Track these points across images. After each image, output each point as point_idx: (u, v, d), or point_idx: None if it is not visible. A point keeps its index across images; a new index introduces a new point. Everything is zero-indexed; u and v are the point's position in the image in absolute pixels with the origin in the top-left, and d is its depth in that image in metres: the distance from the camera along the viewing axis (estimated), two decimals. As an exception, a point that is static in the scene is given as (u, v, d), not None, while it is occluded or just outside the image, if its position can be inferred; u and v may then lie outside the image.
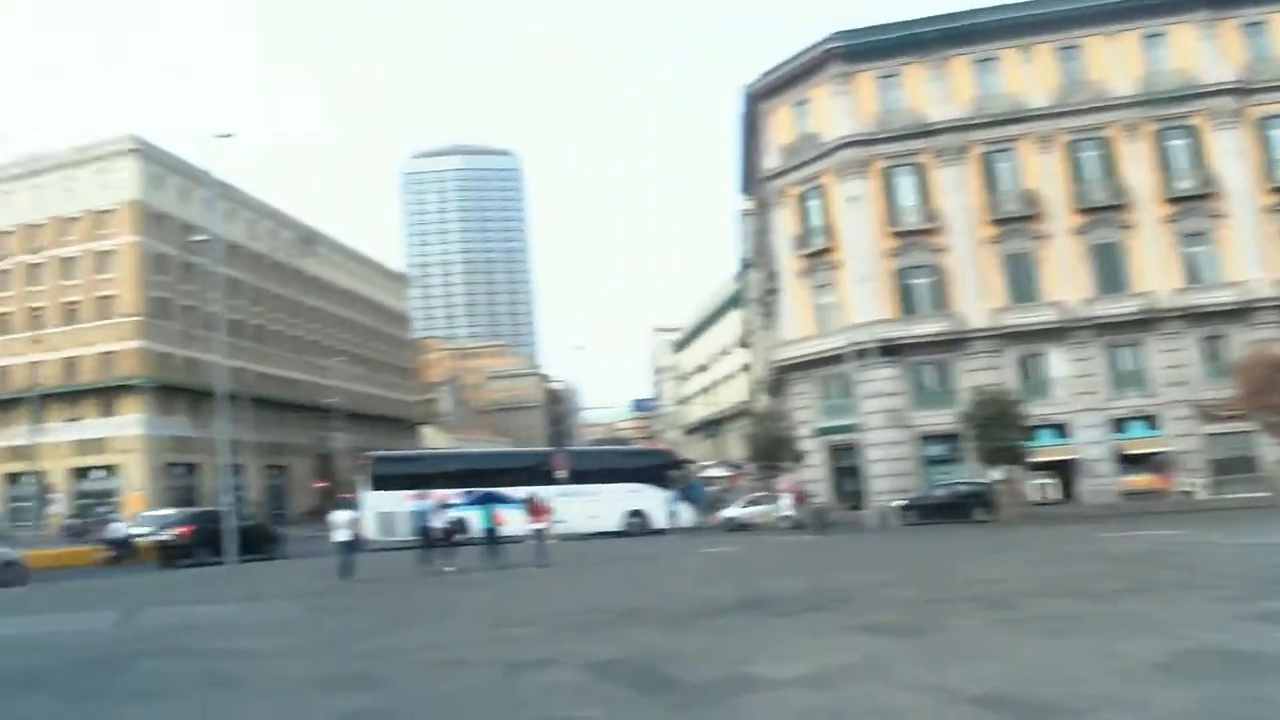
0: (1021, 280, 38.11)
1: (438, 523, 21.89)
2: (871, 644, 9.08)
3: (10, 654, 10.90)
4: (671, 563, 21.99)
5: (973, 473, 34.58)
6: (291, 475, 72.72)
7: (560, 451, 38.62)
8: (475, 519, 24.02)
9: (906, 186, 39.69)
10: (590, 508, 34.61)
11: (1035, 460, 34.43)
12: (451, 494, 27.58)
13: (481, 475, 34.34)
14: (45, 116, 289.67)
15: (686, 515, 36.07)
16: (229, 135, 30.49)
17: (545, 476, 34.05)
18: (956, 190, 38.85)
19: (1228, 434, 34.38)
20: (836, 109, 40.68)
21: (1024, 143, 38.69)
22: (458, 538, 23.03)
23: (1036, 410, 34.43)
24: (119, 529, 33.08)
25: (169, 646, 11.34)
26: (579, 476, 35.57)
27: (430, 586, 18.69)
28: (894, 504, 34.29)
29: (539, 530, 22.55)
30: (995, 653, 8.31)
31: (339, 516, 21.63)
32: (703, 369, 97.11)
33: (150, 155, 63.36)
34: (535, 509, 22.95)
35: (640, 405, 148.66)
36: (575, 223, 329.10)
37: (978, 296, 37.99)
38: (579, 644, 9.93)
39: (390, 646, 10.59)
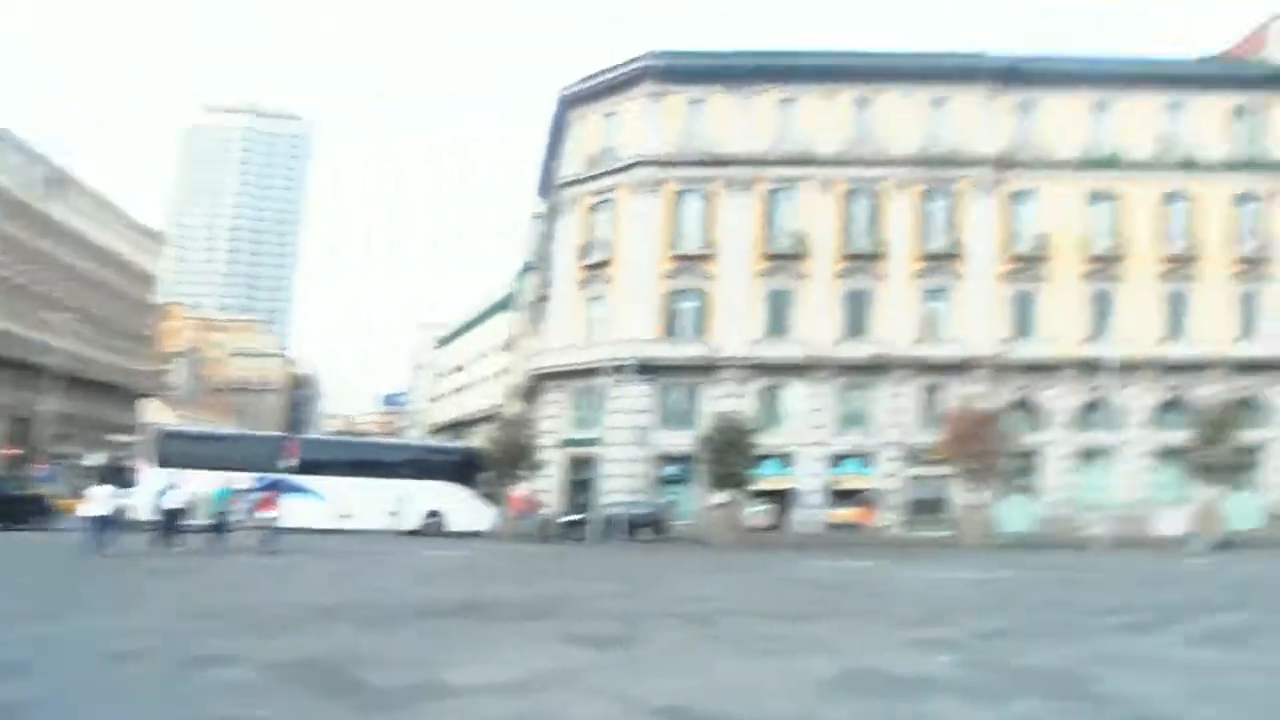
0: (778, 316, 39.93)
1: (171, 503, 21.76)
2: (575, 654, 9.25)
3: None
4: (397, 562, 21.58)
5: (700, 495, 36.32)
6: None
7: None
8: (208, 502, 22.90)
9: (693, 212, 40.73)
10: (386, 504, 33.20)
11: (758, 488, 36.44)
12: (244, 477, 25.87)
13: (274, 462, 32.50)
14: None
15: (486, 518, 34.85)
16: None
17: (347, 467, 33.62)
18: (738, 222, 40.25)
19: (928, 477, 37.96)
20: (643, 125, 41.24)
21: (807, 185, 40.56)
22: (185, 521, 22.33)
23: (768, 440, 36.47)
24: None
25: None
26: (375, 470, 34.66)
27: (145, 568, 17.99)
28: (560, 519, 35.28)
29: (267, 518, 22.62)
30: (688, 667, 8.68)
31: (97, 490, 20.93)
32: (459, 369, 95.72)
33: None
34: (265, 499, 23.18)
35: (391, 400, 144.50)
36: (359, 204, 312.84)
37: (736, 327, 39.53)
38: (269, 640, 9.54)
39: (63, 632, 9.75)
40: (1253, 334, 40.15)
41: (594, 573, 20.80)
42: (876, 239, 40.38)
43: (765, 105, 41.04)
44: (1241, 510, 36.60)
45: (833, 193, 40.54)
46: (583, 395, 40.22)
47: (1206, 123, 41.19)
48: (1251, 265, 40.52)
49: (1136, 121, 40.93)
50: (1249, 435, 36.78)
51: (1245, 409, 38.29)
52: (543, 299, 47.93)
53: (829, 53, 41.59)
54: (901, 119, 40.83)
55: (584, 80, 42.95)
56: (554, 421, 40.81)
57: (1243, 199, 40.97)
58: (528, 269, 64.69)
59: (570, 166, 43.67)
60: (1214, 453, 34.00)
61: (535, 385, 44.04)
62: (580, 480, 38.81)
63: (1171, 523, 35.59)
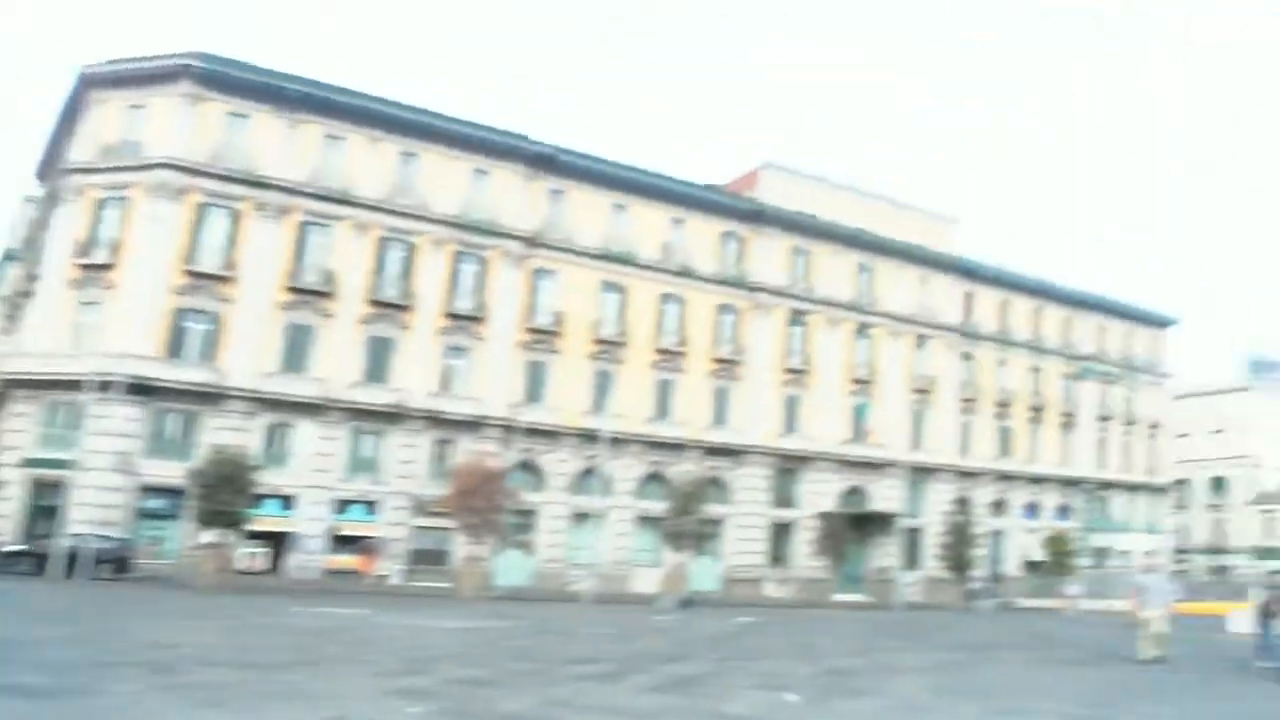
0: (296, 351, 38.65)
1: None
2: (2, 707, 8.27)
3: None
4: None
5: (189, 532, 33.78)
6: None
7: None
8: None
9: (216, 228, 38.13)
10: None
11: (254, 528, 34.83)
12: None
13: None
14: None
15: None
16: None
17: None
18: (265, 248, 38.49)
19: (432, 528, 38.90)
20: (173, 126, 37.96)
21: (343, 224, 40.07)
22: None
23: (270, 479, 34.96)
24: None
25: None
26: None
27: None
28: (6, 548, 31.12)
29: None
30: (136, 720, 8.19)
31: None
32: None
33: None
34: None
35: None
36: None
37: (249, 356, 37.58)
38: None
39: None
40: (722, 424, 47.39)
41: (45, 613, 18.44)
42: (406, 290, 41.09)
43: (310, 136, 40.32)
44: (703, 573, 42.93)
45: (368, 236, 40.72)
46: (59, 410, 35.50)
47: (702, 240, 48.63)
48: (726, 366, 47.98)
49: (647, 227, 47.08)
50: (713, 509, 43.58)
51: (712, 486, 44.95)
52: (24, 294, 41.74)
53: (382, 99, 41.72)
54: (444, 180, 42.50)
55: (112, 62, 38.76)
56: (19, 436, 35.37)
57: (724, 309, 48.59)
58: (9, 257, 56.12)
59: (81, 152, 38.86)
60: (684, 522, 39.04)
61: (1, 392, 37.97)
62: (45, 506, 33.73)
63: (646, 581, 40.67)
